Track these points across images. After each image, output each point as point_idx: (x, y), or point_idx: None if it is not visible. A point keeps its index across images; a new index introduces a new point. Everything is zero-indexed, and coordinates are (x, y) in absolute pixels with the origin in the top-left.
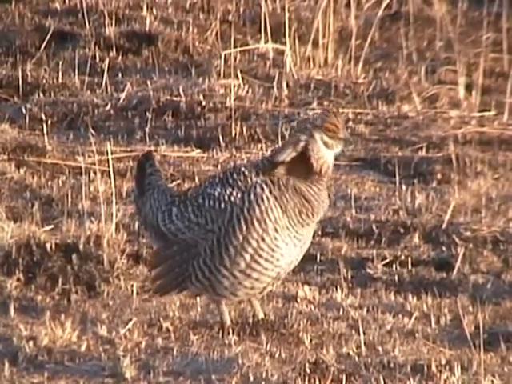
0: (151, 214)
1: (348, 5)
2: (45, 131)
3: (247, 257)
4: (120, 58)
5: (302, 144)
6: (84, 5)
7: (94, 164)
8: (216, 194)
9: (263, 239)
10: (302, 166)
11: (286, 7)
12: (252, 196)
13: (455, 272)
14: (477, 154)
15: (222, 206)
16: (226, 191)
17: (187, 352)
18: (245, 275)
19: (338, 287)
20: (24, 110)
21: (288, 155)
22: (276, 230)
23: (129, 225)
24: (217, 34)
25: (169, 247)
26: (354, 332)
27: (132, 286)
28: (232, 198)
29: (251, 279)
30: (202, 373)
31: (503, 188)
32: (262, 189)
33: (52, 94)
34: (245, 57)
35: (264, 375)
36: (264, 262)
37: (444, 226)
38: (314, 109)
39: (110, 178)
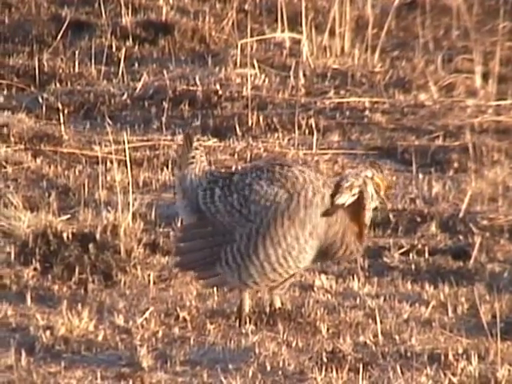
0: (191, 189)
1: None
2: (61, 121)
3: (279, 252)
4: (136, 47)
5: (357, 190)
6: None
7: (111, 153)
8: (262, 192)
9: (298, 239)
10: (355, 211)
11: None
12: (302, 198)
13: (472, 261)
14: (493, 142)
15: (268, 203)
16: (273, 190)
17: (204, 341)
18: (271, 268)
19: (355, 276)
20: (41, 100)
21: (348, 199)
22: (311, 235)
23: (145, 214)
24: (233, 23)
25: (203, 226)
26: (370, 321)
27: (149, 275)
28: (278, 198)
29: (275, 273)
30: (218, 362)
31: None
32: (314, 195)
33: (68, 84)
34: (261, 46)
35: (281, 364)
36: (290, 260)
37: (461, 214)
38: (330, 98)
39: (126, 167)
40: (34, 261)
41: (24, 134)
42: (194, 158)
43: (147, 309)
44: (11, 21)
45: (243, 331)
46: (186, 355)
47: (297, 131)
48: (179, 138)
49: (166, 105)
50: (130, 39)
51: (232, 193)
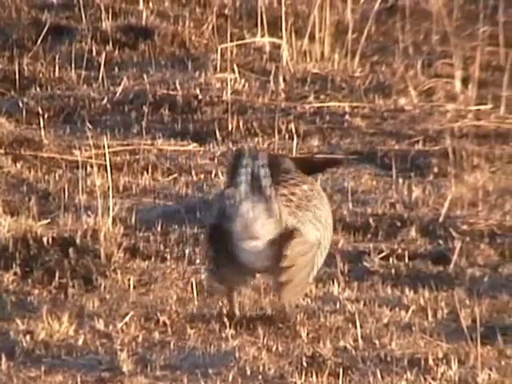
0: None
1: None
2: (41, 125)
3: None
4: (116, 51)
5: None
6: None
7: (91, 158)
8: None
9: None
10: None
11: (282, 1)
12: None
13: (452, 265)
14: (473, 147)
15: (330, 221)
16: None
17: (184, 346)
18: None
19: (335, 281)
20: (21, 104)
21: None
22: None
23: (126, 219)
24: (213, 27)
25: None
26: (350, 325)
27: (129, 279)
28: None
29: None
30: (198, 367)
31: (500, 181)
32: None
33: (49, 88)
34: (241, 51)
35: (261, 369)
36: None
37: (441, 219)
38: (310, 102)
39: (106, 171)
40: (13, 265)
41: (4, 139)
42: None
43: (127, 313)
44: None
45: (223, 336)
46: (166, 360)
47: (277, 136)
48: (159, 142)
49: (146, 109)
50: (110, 44)
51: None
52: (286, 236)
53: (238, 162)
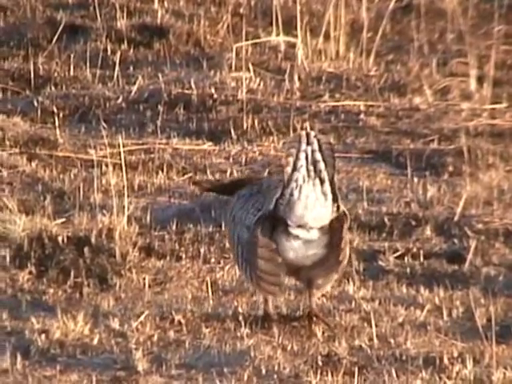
0: None
1: None
2: (56, 124)
3: None
4: (131, 50)
5: None
6: None
7: (106, 157)
8: None
9: None
10: None
11: (297, 0)
12: None
13: (467, 264)
14: (488, 146)
15: None
16: None
17: (199, 345)
18: None
19: (350, 280)
20: (36, 103)
21: None
22: None
23: (140, 218)
24: (228, 26)
25: None
26: (366, 324)
27: (144, 278)
28: None
29: None
30: (214, 366)
31: None
32: None
33: (64, 87)
34: (256, 50)
35: (276, 368)
36: None
37: (456, 218)
38: (325, 101)
39: (121, 170)
40: (29, 264)
41: (19, 138)
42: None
43: (142, 312)
44: (6, 24)
45: (238, 335)
46: (181, 359)
47: (292, 134)
48: (174, 141)
49: (161, 108)
50: (125, 43)
51: None
52: (339, 220)
53: (298, 148)
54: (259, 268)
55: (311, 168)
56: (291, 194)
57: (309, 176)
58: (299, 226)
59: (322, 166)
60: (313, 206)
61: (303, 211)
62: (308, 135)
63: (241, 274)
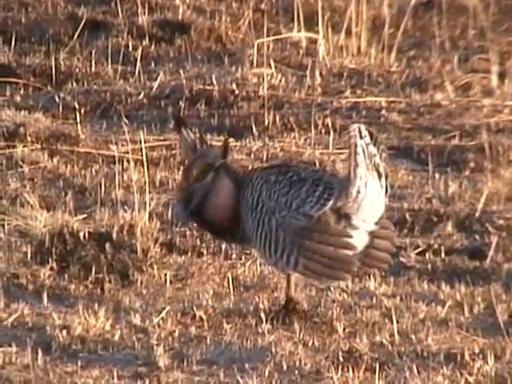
0: None
1: None
2: (78, 120)
3: None
4: (153, 46)
5: None
6: None
7: (128, 153)
8: None
9: None
10: None
11: None
12: None
13: (488, 260)
14: (510, 142)
15: None
16: None
17: (220, 341)
18: None
19: (371, 276)
20: (57, 99)
21: None
22: None
23: (162, 214)
24: (250, 22)
25: None
26: (387, 320)
27: (165, 274)
28: None
29: None
30: (235, 361)
31: None
32: None
33: (85, 83)
34: (278, 46)
35: (297, 364)
36: None
37: (477, 214)
38: (347, 97)
39: (143, 166)
40: (50, 260)
41: (40, 134)
42: None
43: (164, 308)
44: (28, 20)
45: (259, 331)
46: (202, 354)
47: (313, 131)
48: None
49: (182, 104)
50: (147, 38)
51: None
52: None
53: (355, 142)
54: (330, 256)
55: (368, 162)
56: (358, 191)
57: (368, 169)
58: (362, 220)
59: (377, 159)
60: (377, 201)
61: (369, 207)
62: (360, 129)
63: (270, 260)
